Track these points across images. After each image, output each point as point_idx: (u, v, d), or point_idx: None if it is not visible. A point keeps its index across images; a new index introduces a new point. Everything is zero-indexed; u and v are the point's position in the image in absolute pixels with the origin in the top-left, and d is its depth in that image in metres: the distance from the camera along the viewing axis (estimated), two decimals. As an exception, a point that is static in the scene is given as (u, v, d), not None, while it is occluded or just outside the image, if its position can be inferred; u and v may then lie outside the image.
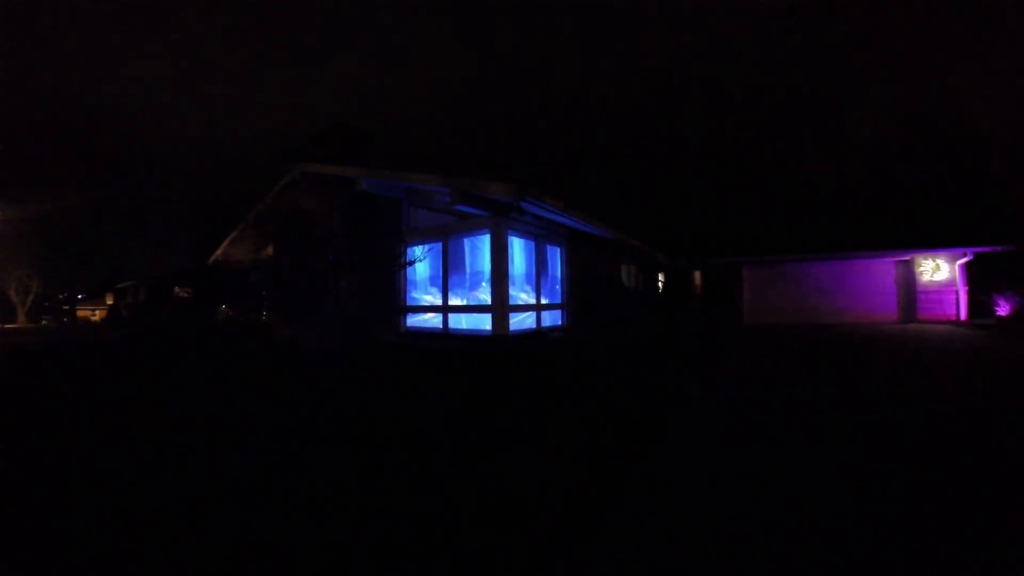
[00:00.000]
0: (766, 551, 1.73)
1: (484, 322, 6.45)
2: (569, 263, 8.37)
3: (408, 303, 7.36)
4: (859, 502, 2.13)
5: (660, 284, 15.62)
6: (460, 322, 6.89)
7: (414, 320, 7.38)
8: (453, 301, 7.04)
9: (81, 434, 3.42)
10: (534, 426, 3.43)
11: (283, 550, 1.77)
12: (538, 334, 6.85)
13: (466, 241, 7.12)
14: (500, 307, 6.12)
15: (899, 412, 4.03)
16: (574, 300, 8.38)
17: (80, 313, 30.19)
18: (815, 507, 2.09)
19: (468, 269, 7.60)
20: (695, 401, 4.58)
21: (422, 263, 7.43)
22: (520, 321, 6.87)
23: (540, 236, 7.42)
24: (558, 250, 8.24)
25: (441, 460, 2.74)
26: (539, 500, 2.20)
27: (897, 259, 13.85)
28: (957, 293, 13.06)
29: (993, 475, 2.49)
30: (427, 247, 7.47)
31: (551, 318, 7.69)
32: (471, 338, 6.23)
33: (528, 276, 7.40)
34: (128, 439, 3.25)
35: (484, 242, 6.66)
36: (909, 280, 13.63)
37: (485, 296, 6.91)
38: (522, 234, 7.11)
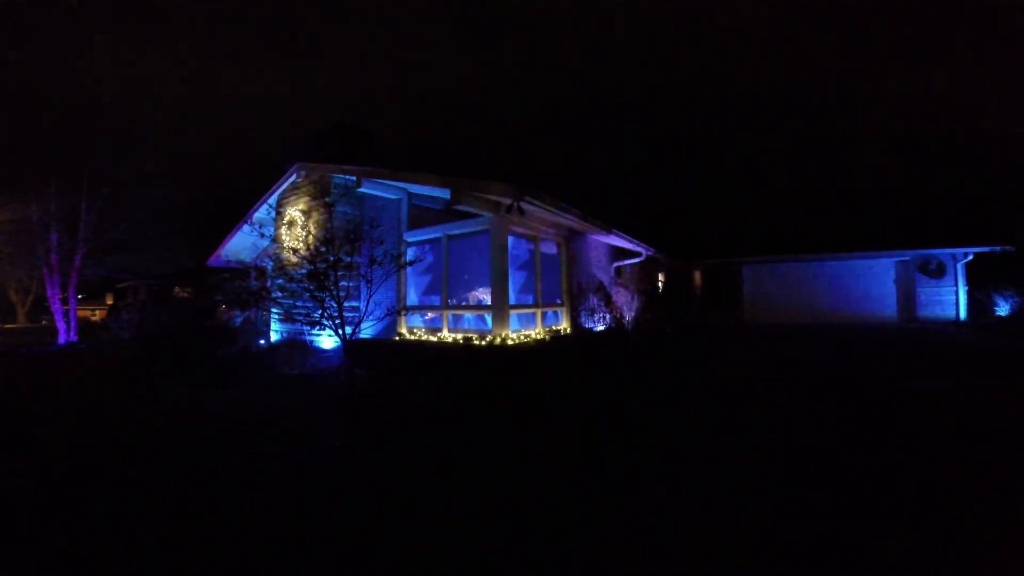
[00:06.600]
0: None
1: (484, 322, 6.45)
2: (569, 263, 8.37)
3: (408, 304, 7.37)
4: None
5: (660, 284, 15.61)
6: (460, 322, 6.89)
7: (414, 320, 7.39)
8: (453, 301, 7.04)
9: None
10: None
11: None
12: (538, 333, 6.85)
13: (466, 242, 7.12)
14: (500, 307, 6.12)
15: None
16: (574, 300, 8.38)
17: (80, 313, 30.17)
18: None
19: (468, 270, 7.60)
20: (686, 412, 4.59)
21: (422, 264, 7.42)
22: (520, 321, 6.87)
23: (540, 237, 7.42)
24: (558, 251, 8.24)
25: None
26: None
27: (897, 259, 13.85)
28: (957, 293, 13.05)
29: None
30: (427, 248, 7.46)
31: (551, 318, 7.70)
32: (471, 338, 6.23)
33: (528, 276, 7.40)
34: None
35: (484, 243, 6.65)
36: (909, 280, 13.62)
37: (485, 296, 6.91)
38: (522, 235, 7.11)
